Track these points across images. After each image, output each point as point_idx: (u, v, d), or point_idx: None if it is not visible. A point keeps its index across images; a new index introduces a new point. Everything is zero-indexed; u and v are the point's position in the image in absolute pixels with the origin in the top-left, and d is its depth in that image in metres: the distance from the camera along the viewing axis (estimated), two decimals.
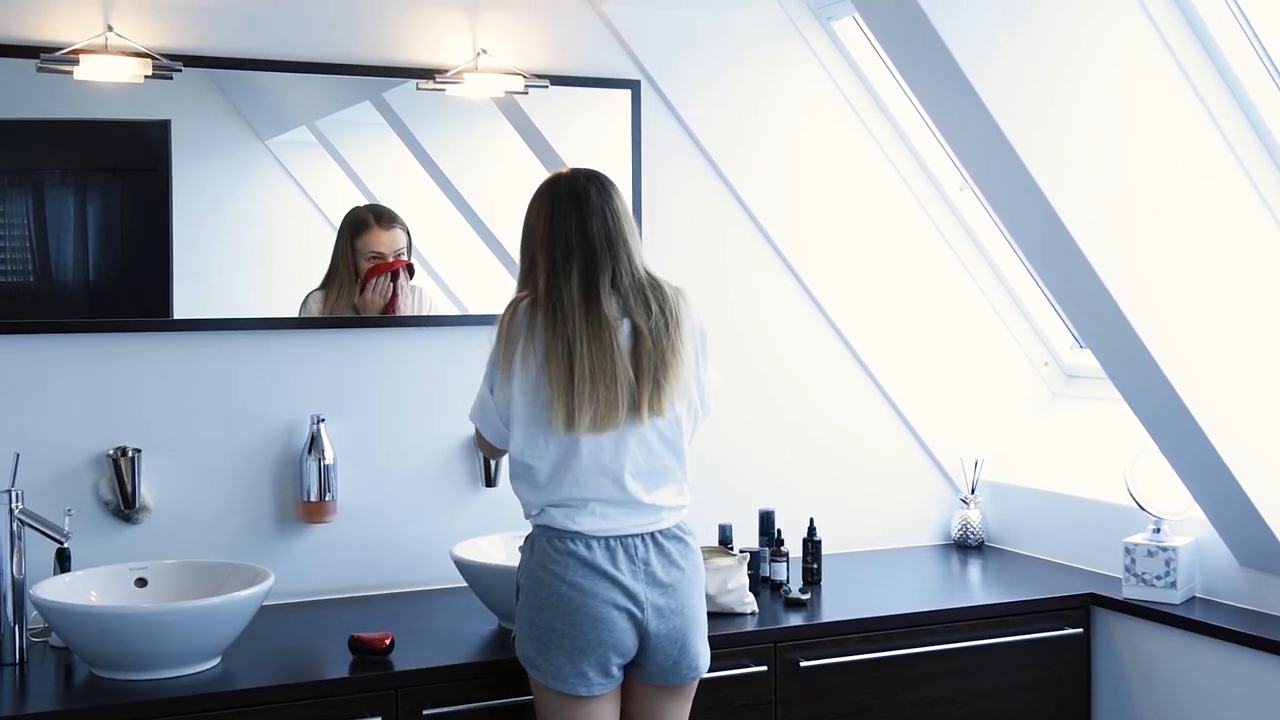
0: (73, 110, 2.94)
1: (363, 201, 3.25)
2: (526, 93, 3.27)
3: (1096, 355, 3.02)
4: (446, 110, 3.28)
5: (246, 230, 3.16)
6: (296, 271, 3.19)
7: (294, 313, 3.15)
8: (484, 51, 3.24)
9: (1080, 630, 3.22)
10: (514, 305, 2.50)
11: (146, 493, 3.00)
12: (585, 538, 2.45)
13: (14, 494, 2.68)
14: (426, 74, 3.20)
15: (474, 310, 3.33)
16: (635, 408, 2.45)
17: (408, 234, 3.22)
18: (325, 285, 3.19)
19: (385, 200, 3.26)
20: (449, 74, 3.21)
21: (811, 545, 3.33)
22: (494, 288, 3.32)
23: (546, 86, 3.29)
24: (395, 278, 3.20)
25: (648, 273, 2.53)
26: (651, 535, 2.49)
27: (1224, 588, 3.13)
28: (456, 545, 2.99)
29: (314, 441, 3.09)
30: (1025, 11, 2.65)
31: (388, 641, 2.68)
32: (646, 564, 2.47)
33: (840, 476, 3.72)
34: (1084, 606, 3.24)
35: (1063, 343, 3.84)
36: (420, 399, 3.25)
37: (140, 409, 3.00)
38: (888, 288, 3.72)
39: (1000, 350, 3.84)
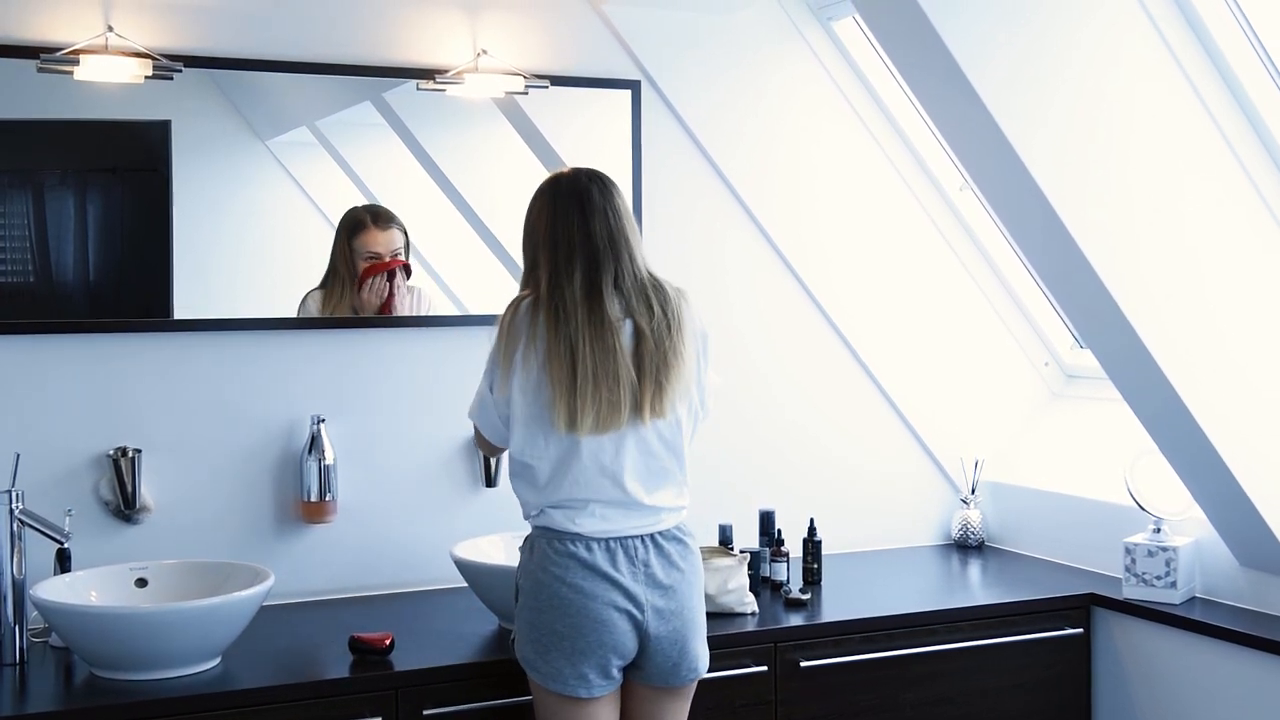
0: (73, 110, 2.94)
1: (363, 202, 3.25)
2: (527, 93, 3.27)
3: (1096, 355, 3.02)
4: (447, 110, 3.28)
5: (247, 230, 3.17)
6: (296, 272, 3.19)
7: (294, 313, 3.16)
8: (484, 52, 3.24)
9: (1080, 630, 3.22)
10: (515, 304, 2.50)
11: (147, 493, 3.00)
12: (585, 539, 2.45)
13: (14, 494, 2.68)
14: (427, 74, 3.21)
15: (474, 310, 3.33)
16: (637, 409, 2.45)
17: (405, 234, 3.22)
18: (324, 285, 3.19)
19: (385, 201, 3.26)
20: (449, 74, 3.21)
21: (812, 545, 3.33)
22: (494, 288, 3.32)
23: (547, 87, 3.29)
24: (392, 277, 3.20)
25: (649, 273, 2.53)
26: (651, 537, 2.49)
27: (1224, 588, 3.13)
28: (457, 545, 2.99)
29: (314, 442, 3.09)
30: (1025, 11, 2.65)
31: (388, 642, 2.68)
32: (646, 565, 2.47)
33: (840, 476, 3.72)
34: (1084, 606, 3.24)
35: (1063, 343, 3.84)
36: (420, 399, 3.25)
37: (140, 409, 3.00)
38: (888, 288, 3.72)
39: (1000, 350, 3.84)
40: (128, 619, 2.52)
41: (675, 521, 2.53)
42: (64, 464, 2.94)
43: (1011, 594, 3.26)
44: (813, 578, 3.33)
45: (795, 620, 3.00)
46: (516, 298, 2.51)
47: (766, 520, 3.32)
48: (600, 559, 2.44)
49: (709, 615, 2.75)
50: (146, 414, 3.01)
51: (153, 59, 2.91)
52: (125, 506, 2.97)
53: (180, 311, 3.04)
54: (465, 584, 2.97)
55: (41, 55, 2.83)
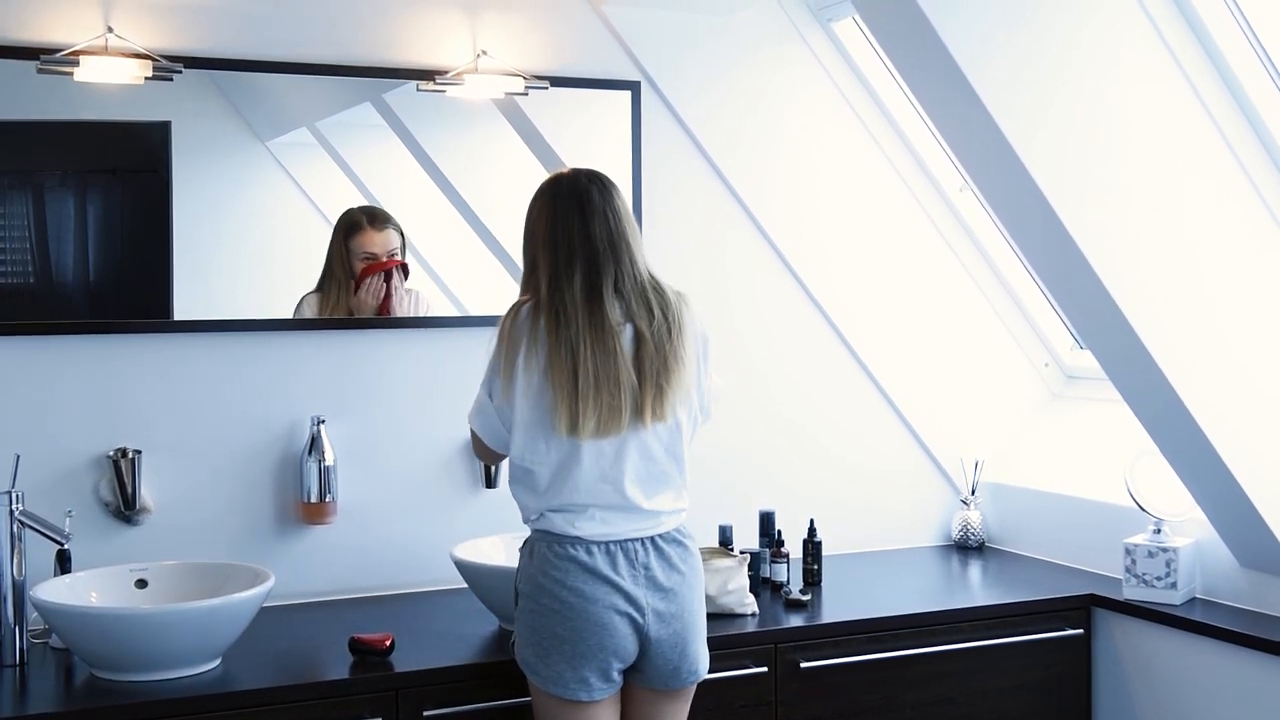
0: (73, 111, 2.94)
1: (362, 203, 3.25)
2: (526, 94, 3.27)
3: (1096, 356, 3.02)
4: (446, 111, 3.28)
5: (247, 231, 3.17)
6: (296, 272, 3.19)
7: (292, 315, 3.15)
8: (484, 53, 3.24)
9: (1081, 631, 3.22)
10: (515, 309, 2.49)
11: (147, 494, 3.00)
12: (585, 543, 2.44)
13: (14, 495, 2.68)
14: (427, 75, 3.21)
15: (474, 311, 3.33)
16: (638, 412, 2.45)
17: (401, 235, 3.22)
18: (320, 287, 3.18)
19: (385, 202, 3.26)
20: (449, 75, 3.21)
21: (812, 546, 3.33)
22: (494, 289, 3.32)
23: (546, 87, 3.29)
24: (389, 278, 3.19)
25: (650, 275, 2.52)
26: (651, 539, 2.49)
27: (1224, 588, 3.13)
28: (457, 546, 2.99)
29: (314, 443, 3.09)
30: (1025, 11, 2.65)
31: (388, 643, 2.68)
32: (647, 568, 2.46)
33: (840, 477, 3.72)
34: (1084, 607, 3.24)
35: (1063, 343, 3.84)
36: (421, 400, 3.25)
37: (140, 410, 3.00)
38: (887, 288, 3.72)
39: (1000, 351, 3.84)
40: (128, 620, 2.52)
41: (675, 524, 2.53)
42: (64, 465, 2.94)
43: (1012, 595, 3.26)
44: (813, 578, 3.33)
45: (795, 621, 3.00)
46: (516, 303, 2.50)
47: (766, 521, 3.32)
48: (600, 562, 2.44)
49: (709, 616, 2.75)
50: (146, 415, 3.01)
51: (153, 60, 2.91)
52: (125, 507, 2.97)
53: (180, 312, 3.04)
54: (465, 585, 2.97)
55: (41, 56, 2.83)
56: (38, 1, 2.88)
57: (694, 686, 2.56)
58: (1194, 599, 3.16)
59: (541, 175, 2.77)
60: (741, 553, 3.10)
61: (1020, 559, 3.64)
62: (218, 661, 2.62)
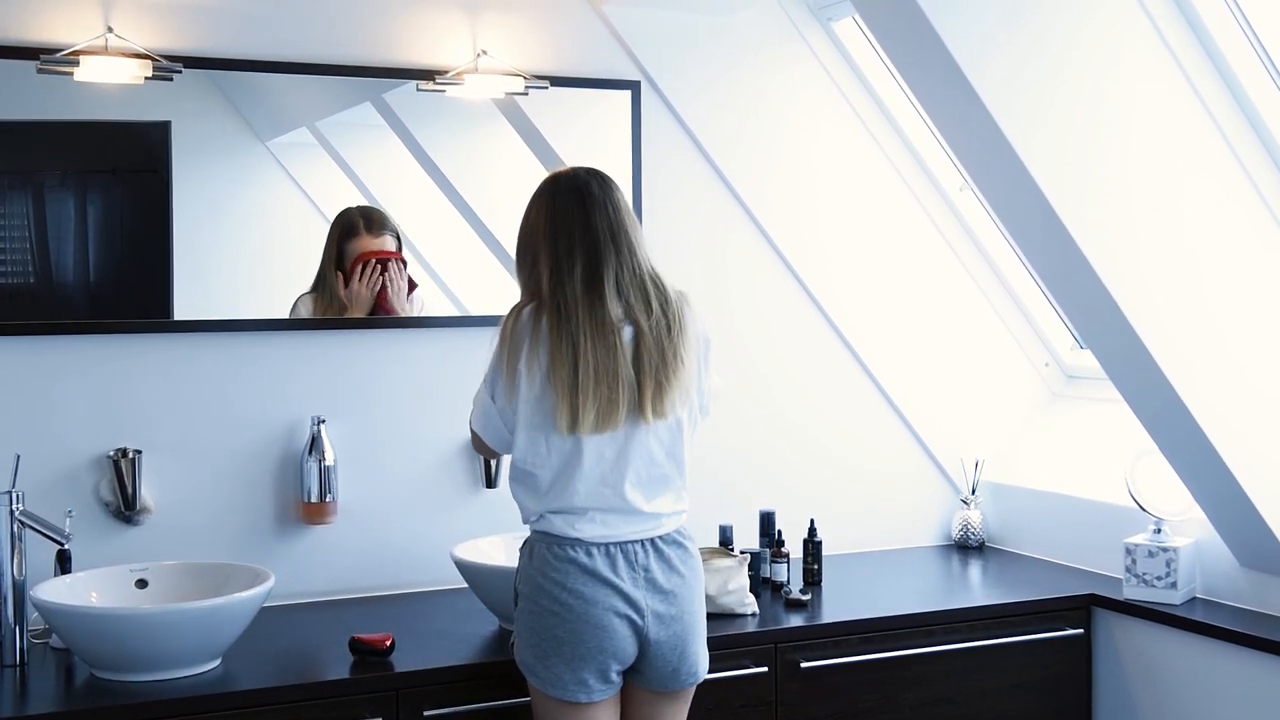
0: (73, 111, 2.94)
1: (363, 203, 3.24)
2: (527, 93, 3.27)
3: (1097, 356, 3.02)
4: (446, 111, 3.28)
5: (247, 231, 3.17)
6: (297, 272, 3.19)
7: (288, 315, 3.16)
8: (484, 52, 3.24)
9: (1081, 631, 3.22)
10: (516, 311, 2.48)
11: (147, 494, 3.00)
12: (585, 544, 2.44)
13: (14, 495, 2.68)
14: (427, 75, 3.20)
15: (474, 311, 3.33)
16: (638, 408, 2.44)
17: (398, 239, 3.22)
18: (315, 288, 3.18)
19: (385, 201, 3.26)
20: (449, 75, 3.21)
21: (812, 546, 3.33)
22: (494, 289, 3.32)
23: (547, 87, 3.29)
24: (384, 268, 3.17)
25: (651, 268, 2.52)
26: (651, 541, 2.48)
27: (1224, 588, 3.13)
28: (457, 546, 2.99)
29: (314, 442, 3.09)
30: (1025, 11, 2.64)
31: (388, 642, 2.68)
32: (647, 570, 2.46)
33: (841, 477, 3.72)
34: (1084, 607, 3.24)
35: (1063, 343, 3.84)
36: (421, 400, 3.25)
37: (141, 410, 3.00)
38: (888, 288, 3.72)
39: (1000, 351, 3.84)
40: (128, 620, 2.52)
41: (675, 525, 2.53)
42: (64, 465, 2.94)
43: (1012, 594, 3.26)
44: (813, 578, 3.33)
45: (796, 621, 3.00)
46: (518, 305, 2.50)
47: (767, 521, 3.32)
48: (600, 564, 2.43)
49: (709, 616, 2.75)
50: (147, 415, 3.01)
51: (153, 60, 2.91)
52: (125, 507, 2.97)
53: (180, 312, 3.04)
54: (465, 585, 2.97)
55: (41, 56, 2.83)
56: (38, 1, 2.88)
57: (693, 688, 2.56)
58: (1194, 599, 3.16)
59: (541, 175, 2.77)
60: (742, 553, 3.10)
61: (1020, 559, 3.64)
62: (218, 661, 2.62)
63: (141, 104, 2.97)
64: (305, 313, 3.16)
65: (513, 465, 2.52)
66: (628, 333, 2.45)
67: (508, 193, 3.05)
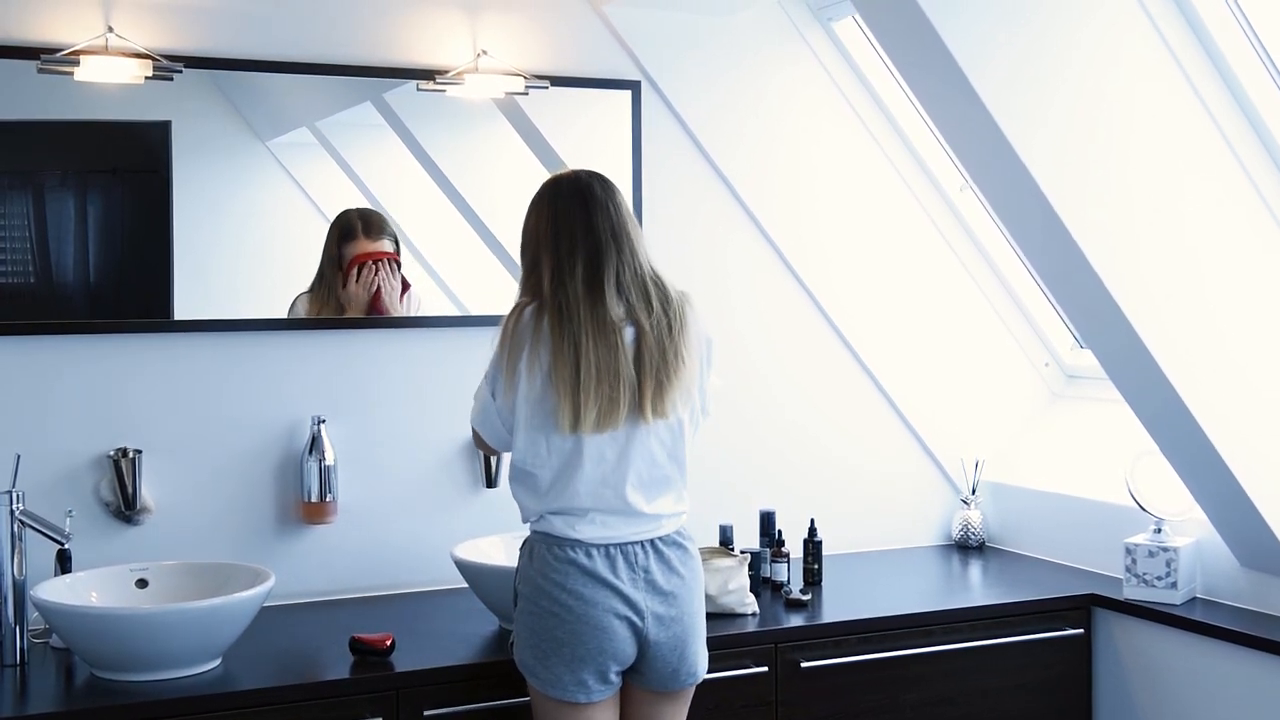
0: (73, 111, 2.94)
1: (363, 203, 3.24)
2: (527, 93, 3.27)
3: (1097, 355, 3.02)
4: (447, 111, 3.28)
5: (247, 231, 3.17)
6: (297, 272, 3.19)
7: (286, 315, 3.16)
8: (484, 52, 3.24)
9: (1081, 631, 3.22)
10: (518, 310, 2.48)
11: (147, 494, 3.00)
12: (585, 545, 2.44)
13: (15, 495, 2.68)
14: (427, 75, 3.21)
15: (474, 311, 3.33)
16: (638, 407, 2.44)
17: (396, 243, 3.22)
18: (314, 288, 3.18)
19: (385, 201, 3.26)
20: (449, 75, 3.21)
21: (812, 546, 3.33)
22: (494, 289, 3.32)
23: (547, 87, 3.29)
24: (378, 270, 3.17)
25: (653, 269, 2.52)
26: (651, 542, 2.48)
27: (1225, 588, 3.13)
28: (457, 546, 2.99)
29: (315, 442, 3.09)
30: (1025, 11, 2.65)
31: (388, 642, 2.68)
32: (647, 571, 2.46)
33: (841, 477, 3.72)
34: (1085, 607, 3.24)
35: (1063, 343, 3.84)
36: (421, 400, 3.25)
37: (141, 410, 3.00)
38: (888, 288, 3.72)
39: (1000, 350, 3.84)
40: (128, 620, 2.52)
41: (675, 526, 2.53)
42: (64, 465, 2.94)
43: (1012, 594, 3.26)
44: (813, 578, 3.33)
45: (796, 621, 3.00)
46: (519, 304, 2.50)
47: (767, 521, 3.32)
48: (600, 565, 2.43)
49: (709, 616, 2.75)
50: (147, 415, 3.01)
51: (153, 60, 2.91)
52: (126, 507, 2.97)
53: (180, 312, 3.04)
54: (466, 585, 2.97)
55: (42, 56, 2.83)
56: (38, 1, 2.88)
57: (693, 688, 2.56)
58: (1194, 599, 3.16)
59: (542, 175, 2.77)
60: (742, 552, 3.10)
61: (1021, 559, 3.64)
62: (218, 661, 2.62)
63: (142, 104, 2.97)
64: (302, 312, 3.16)
65: (512, 465, 2.52)
66: (629, 333, 2.46)
67: (508, 193, 3.06)
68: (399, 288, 3.22)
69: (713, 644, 2.62)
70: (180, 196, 3.03)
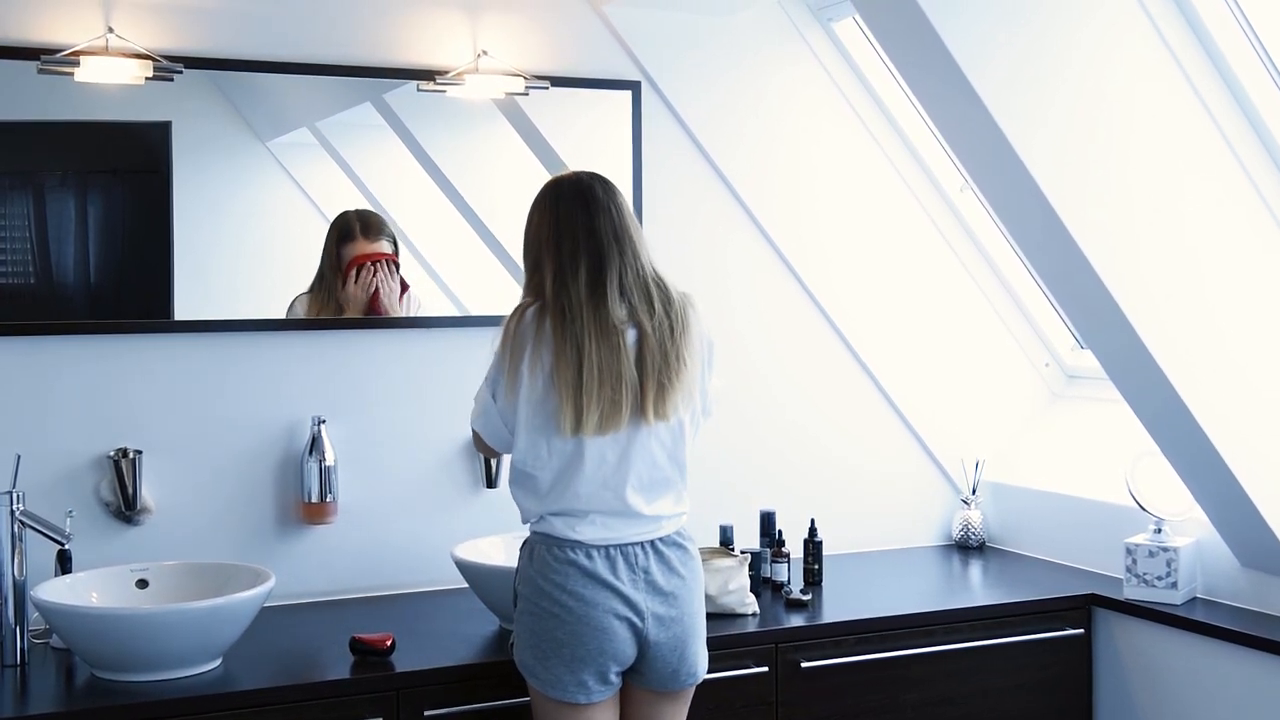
0: (73, 112, 2.94)
1: (363, 203, 3.24)
2: (527, 94, 3.27)
3: (1097, 356, 3.02)
4: (447, 111, 3.28)
5: (247, 232, 3.17)
6: (297, 273, 3.19)
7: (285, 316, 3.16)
8: (484, 53, 3.24)
9: (1081, 631, 3.22)
10: (520, 311, 2.48)
11: (147, 494, 3.00)
12: (585, 546, 2.44)
13: (15, 495, 2.68)
14: (427, 75, 3.21)
15: (474, 311, 3.33)
16: (640, 410, 2.44)
17: (394, 244, 3.21)
18: (313, 289, 3.18)
19: (385, 201, 3.26)
20: (449, 75, 3.21)
21: (812, 546, 3.33)
22: (494, 289, 3.32)
23: (547, 88, 3.29)
24: (376, 270, 3.17)
25: (655, 271, 2.52)
26: (651, 543, 2.48)
27: (1225, 588, 3.13)
28: (457, 546, 2.99)
29: (315, 443, 3.09)
30: (1025, 11, 2.65)
31: (389, 643, 2.68)
32: (647, 572, 2.46)
33: (841, 477, 3.72)
34: (1085, 607, 3.24)
35: (1063, 343, 3.84)
36: (421, 400, 3.25)
37: (141, 410, 3.00)
38: (888, 288, 3.72)
39: (1001, 351, 3.84)
40: (128, 620, 2.52)
41: (676, 527, 2.53)
42: (65, 465, 2.94)
43: (1012, 594, 3.26)
44: (813, 578, 3.33)
45: (796, 621, 3.00)
46: (521, 305, 2.49)
47: (767, 521, 3.32)
48: (600, 566, 2.43)
49: (710, 616, 2.75)
50: (147, 415, 3.01)
51: (153, 60, 2.91)
52: (126, 508, 2.97)
53: (181, 312, 3.04)
54: (466, 585, 2.97)
55: (42, 57, 2.83)
56: (38, 2, 2.88)
57: (693, 688, 2.56)
58: (1194, 599, 3.16)
59: (542, 175, 2.78)
60: (742, 553, 3.10)
61: (1021, 559, 3.64)
62: (218, 662, 2.62)
63: (142, 104, 2.97)
64: (301, 313, 3.16)
65: (512, 467, 2.52)
66: (631, 334, 2.45)
67: (508, 193, 3.06)
68: (398, 288, 3.22)
69: (713, 644, 2.62)
70: (180, 197, 3.03)
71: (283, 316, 3.14)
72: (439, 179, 3.33)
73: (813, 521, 3.36)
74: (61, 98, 2.91)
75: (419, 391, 3.25)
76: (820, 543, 3.34)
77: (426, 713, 2.61)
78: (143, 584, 2.78)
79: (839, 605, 3.15)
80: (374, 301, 3.19)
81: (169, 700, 2.44)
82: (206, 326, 3.05)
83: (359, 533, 3.19)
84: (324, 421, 3.11)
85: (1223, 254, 2.85)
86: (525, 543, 2.53)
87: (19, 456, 2.78)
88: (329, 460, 3.10)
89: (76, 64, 2.84)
